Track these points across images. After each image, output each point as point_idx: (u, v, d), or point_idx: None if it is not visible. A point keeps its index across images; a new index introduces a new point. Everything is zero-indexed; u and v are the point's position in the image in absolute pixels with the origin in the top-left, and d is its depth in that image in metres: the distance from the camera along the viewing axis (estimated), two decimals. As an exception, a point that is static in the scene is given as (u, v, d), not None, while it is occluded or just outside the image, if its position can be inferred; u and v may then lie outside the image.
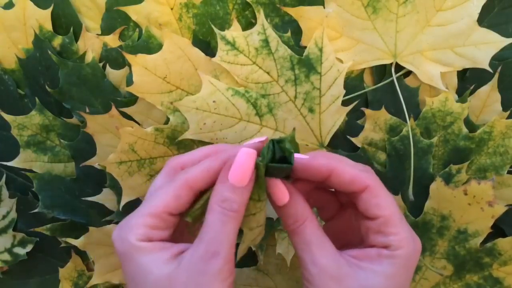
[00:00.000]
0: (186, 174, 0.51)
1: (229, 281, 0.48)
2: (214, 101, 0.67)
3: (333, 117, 0.70)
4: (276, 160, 0.50)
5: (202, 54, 0.70)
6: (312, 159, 0.51)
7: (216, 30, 0.67)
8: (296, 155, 0.51)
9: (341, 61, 0.73)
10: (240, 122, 0.68)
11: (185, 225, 0.54)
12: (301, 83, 0.69)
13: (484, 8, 0.72)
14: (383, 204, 0.51)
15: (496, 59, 0.73)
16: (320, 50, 0.69)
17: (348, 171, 0.51)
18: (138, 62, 0.68)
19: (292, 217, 0.52)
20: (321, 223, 0.60)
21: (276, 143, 0.50)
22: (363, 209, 0.52)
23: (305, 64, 0.69)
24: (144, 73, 0.68)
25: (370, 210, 0.51)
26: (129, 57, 0.68)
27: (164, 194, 0.50)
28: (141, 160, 0.72)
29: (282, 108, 0.69)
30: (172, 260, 0.48)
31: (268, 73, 0.68)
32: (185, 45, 0.69)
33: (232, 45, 0.67)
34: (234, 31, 0.68)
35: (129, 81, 0.75)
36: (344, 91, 0.70)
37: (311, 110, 0.69)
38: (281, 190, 0.51)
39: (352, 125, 0.76)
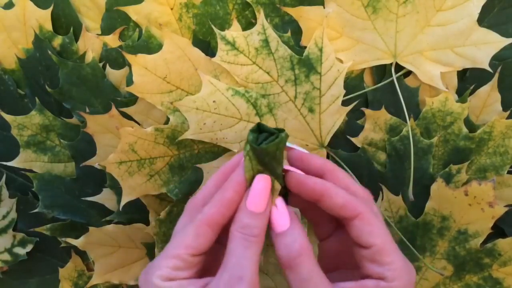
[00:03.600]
0: (202, 215, 0.51)
1: None
2: (214, 101, 0.67)
3: (333, 117, 0.70)
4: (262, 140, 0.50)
5: (202, 54, 0.70)
6: (306, 177, 0.51)
7: (216, 30, 0.67)
8: (297, 148, 0.51)
9: (341, 61, 0.73)
10: (240, 122, 0.68)
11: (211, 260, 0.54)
12: (301, 83, 0.69)
13: (484, 8, 0.72)
14: (376, 232, 0.51)
15: (496, 59, 0.73)
16: (320, 50, 0.69)
17: (340, 195, 0.51)
18: (138, 62, 0.68)
19: (288, 248, 0.49)
20: (316, 241, 0.59)
21: (254, 130, 0.50)
22: (356, 236, 0.51)
23: (305, 64, 0.69)
24: (144, 73, 0.68)
25: (362, 237, 0.50)
26: (129, 57, 0.68)
27: (184, 236, 0.51)
28: (141, 160, 0.72)
29: (282, 108, 0.69)
30: None
31: (268, 73, 0.68)
32: (185, 45, 0.69)
33: (232, 45, 0.67)
34: (234, 31, 0.68)
35: (129, 81, 0.75)
36: (344, 91, 0.70)
37: (311, 110, 0.69)
38: (282, 214, 0.51)
39: (352, 125, 0.76)
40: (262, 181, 0.50)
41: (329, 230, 0.58)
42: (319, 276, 0.49)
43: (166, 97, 0.70)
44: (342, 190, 0.51)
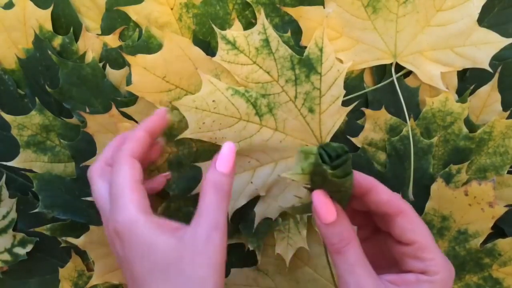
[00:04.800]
0: (124, 151, 0.60)
1: (225, 254, 0.53)
2: (213, 101, 0.66)
3: (333, 117, 0.70)
4: (334, 159, 0.50)
5: (203, 54, 0.69)
6: (355, 172, 0.53)
7: (216, 29, 0.66)
8: None
9: (341, 61, 0.73)
10: (239, 122, 0.68)
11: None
12: (301, 83, 0.68)
13: (484, 8, 0.72)
14: (418, 230, 0.53)
15: (496, 59, 0.73)
16: (321, 50, 0.68)
17: (386, 192, 0.54)
18: (137, 62, 0.68)
19: (337, 237, 0.52)
20: None
21: (323, 148, 0.51)
22: (398, 233, 0.53)
23: (306, 64, 0.68)
24: (143, 73, 0.68)
25: (405, 235, 0.53)
26: (128, 57, 0.68)
27: (124, 177, 0.57)
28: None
29: (282, 108, 0.68)
30: (173, 234, 0.53)
31: (268, 72, 0.67)
32: (185, 45, 0.69)
33: (233, 44, 0.67)
34: (235, 31, 0.67)
35: (129, 81, 0.75)
36: (344, 91, 0.70)
37: (311, 110, 0.69)
38: (329, 207, 0.52)
39: (352, 125, 0.76)
40: (228, 148, 0.58)
41: (366, 234, 0.61)
42: (365, 262, 0.52)
43: (165, 95, 0.70)
44: (387, 188, 0.54)
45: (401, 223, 0.53)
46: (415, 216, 0.54)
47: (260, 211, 0.73)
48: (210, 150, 0.72)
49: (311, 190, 0.53)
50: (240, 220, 0.75)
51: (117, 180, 0.56)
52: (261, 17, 0.66)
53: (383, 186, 0.54)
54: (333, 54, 0.68)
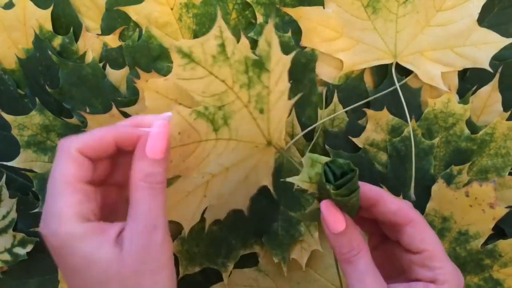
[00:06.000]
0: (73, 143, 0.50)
1: (171, 251, 0.50)
2: (179, 133, 0.59)
3: (280, 112, 0.67)
4: (339, 177, 0.49)
5: None
6: (362, 184, 0.52)
7: (170, 41, 0.61)
8: None
9: (341, 61, 0.73)
10: (199, 145, 0.62)
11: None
12: (253, 85, 0.61)
13: (484, 8, 0.72)
14: (428, 238, 0.53)
15: (496, 59, 0.73)
16: (269, 45, 0.60)
17: (394, 201, 0.53)
18: (150, 87, 0.67)
19: (347, 246, 0.52)
20: None
21: (329, 164, 0.50)
22: (408, 242, 0.53)
23: (258, 64, 0.60)
24: (156, 97, 0.67)
25: (415, 244, 0.52)
26: (140, 83, 0.68)
27: (63, 166, 0.50)
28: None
29: (235, 116, 0.63)
30: (115, 243, 0.48)
31: (224, 81, 0.59)
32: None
33: (189, 56, 0.58)
34: (189, 40, 0.64)
35: (129, 81, 0.75)
36: (289, 85, 0.65)
37: (261, 111, 0.64)
38: (338, 217, 0.51)
39: (353, 125, 0.76)
40: (158, 127, 0.51)
41: (375, 242, 0.60)
42: (375, 272, 0.51)
43: None
44: (395, 197, 0.54)
45: (410, 232, 0.53)
46: (424, 225, 0.53)
47: (210, 216, 0.72)
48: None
49: (319, 199, 0.53)
50: (262, 232, 0.76)
51: (55, 176, 0.49)
52: (218, 19, 0.57)
53: (390, 196, 0.53)
54: (278, 47, 0.61)
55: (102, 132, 0.51)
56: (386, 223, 0.55)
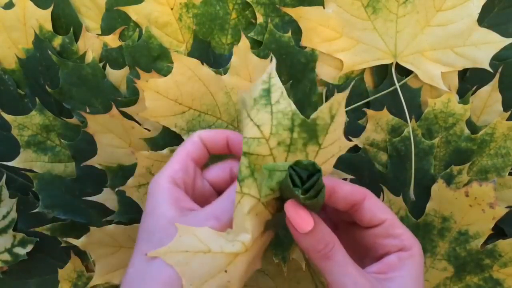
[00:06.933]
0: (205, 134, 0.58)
1: None
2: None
3: None
4: (305, 180, 0.47)
5: (212, 73, 0.69)
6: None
7: (245, 111, 0.50)
8: None
9: (341, 61, 0.73)
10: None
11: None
12: (295, 151, 0.50)
13: (484, 8, 0.72)
14: (384, 208, 0.54)
15: (497, 59, 0.73)
16: (332, 118, 0.50)
17: (345, 184, 0.54)
18: (150, 87, 0.67)
19: (322, 242, 0.51)
20: None
21: (293, 167, 0.47)
22: (368, 217, 0.53)
23: (308, 130, 0.50)
24: (156, 97, 0.68)
25: (376, 215, 0.53)
26: (140, 83, 0.68)
27: (189, 144, 0.57)
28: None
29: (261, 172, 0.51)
30: (180, 211, 0.52)
31: (258, 127, 0.49)
32: (194, 66, 0.68)
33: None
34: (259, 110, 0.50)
35: (129, 81, 0.75)
36: (332, 170, 0.55)
37: None
38: (305, 216, 0.50)
39: (353, 125, 0.76)
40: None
41: None
42: (352, 261, 0.52)
43: (179, 118, 0.70)
44: (342, 180, 0.55)
45: (368, 206, 0.53)
46: (376, 198, 0.54)
47: None
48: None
49: (282, 202, 0.51)
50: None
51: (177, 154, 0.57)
52: (271, 65, 0.49)
53: (340, 180, 0.55)
54: (342, 126, 0.51)
55: (220, 131, 0.59)
56: (345, 206, 0.54)
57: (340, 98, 0.49)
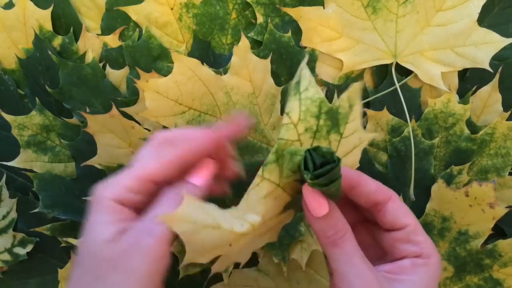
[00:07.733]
0: (177, 151, 0.52)
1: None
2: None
3: None
4: (318, 166, 0.47)
5: (212, 73, 0.69)
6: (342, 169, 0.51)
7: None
8: None
9: (341, 61, 0.73)
10: None
11: None
12: (320, 138, 0.51)
13: (484, 8, 0.72)
14: (408, 213, 0.53)
15: (497, 59, 0.73)
16: (351, 107, 0.51)
17: (372, 181, 0.53)
18: (150, 87, 0.67)
19: (333, 228, 0.51)
20: None
21: (310, 151, 0.48)
22: (390, 219, 0.53)
23: (332, 117, 0.51)
24: (157, 97, 0.68)
25: (398, 219, 0.52)
26: (140, 83, 0.68)
27: (152, 161, 0.51)
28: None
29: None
30: (118, 235, 0.47)
31: (288, 113, 0.49)
32: (194, 66, 0.68)
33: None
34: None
35: (129, 81, 0.75)
36: (358, 165, 0.55)
37: None
38: (320, 201, 0.50)
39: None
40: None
41: (351, 226, 0.58)
42: (361, 253, 0.51)
43: (179, 118, 0.70)
44: (370, 177, 0.53)
45: (392, 208, 0.52)
46: (401, 201, 0.54)
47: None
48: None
49: (301, 183, 0.51)
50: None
51: (138, 166, 0.52)
52: (304, 60, 0.50)
53: (367, 176, 0.53)
54: (359, 117, 0.52)
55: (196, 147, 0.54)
56: (367, 203, 0.54)
57: (357, 87, 0.51)
